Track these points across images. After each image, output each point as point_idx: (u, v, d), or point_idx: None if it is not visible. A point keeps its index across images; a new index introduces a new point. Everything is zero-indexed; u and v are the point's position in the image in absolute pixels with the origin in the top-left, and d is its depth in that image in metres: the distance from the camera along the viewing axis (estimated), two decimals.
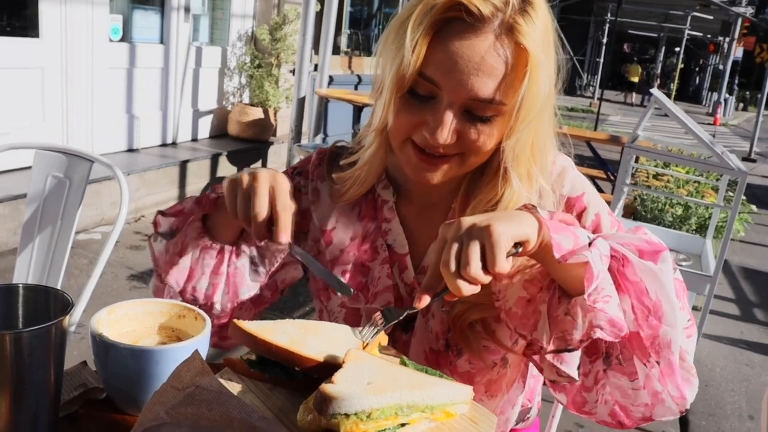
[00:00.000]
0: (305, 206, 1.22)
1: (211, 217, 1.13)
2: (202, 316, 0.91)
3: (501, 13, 0.93)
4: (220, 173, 6.22)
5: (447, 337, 1.10)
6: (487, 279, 0.82)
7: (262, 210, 0.95)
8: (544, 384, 1.09)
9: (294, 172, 1.26)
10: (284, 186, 0.98)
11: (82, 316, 2.04)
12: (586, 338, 0.86)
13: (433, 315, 1.10)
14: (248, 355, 0.86)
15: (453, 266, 0.82)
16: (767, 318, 4.91)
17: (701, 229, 4.24)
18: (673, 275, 0.91)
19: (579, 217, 1.10)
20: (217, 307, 1.13)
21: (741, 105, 30.48)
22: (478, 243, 0.82)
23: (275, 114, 7.12)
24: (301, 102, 6.44)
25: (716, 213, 3.87)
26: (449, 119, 0.96)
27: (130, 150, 5.84)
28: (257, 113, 6.85)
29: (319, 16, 6.36)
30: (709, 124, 20.21)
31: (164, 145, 6.25)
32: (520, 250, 0.85)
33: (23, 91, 4.79)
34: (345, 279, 1.14)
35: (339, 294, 1.11)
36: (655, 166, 5.17)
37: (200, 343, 0.84)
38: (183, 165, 5.75)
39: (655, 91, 3.56)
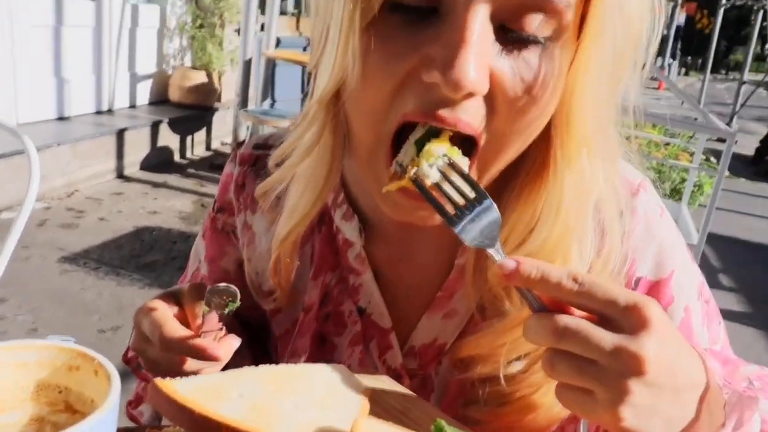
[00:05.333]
0: (241, 256, 0.85)
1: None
2: (105, 369, 0.57)
3: None
4: (160, 143, 5.80)
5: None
6: None
7: (162, 361, 0.67)
8: None
9: (217, 211, 0.87)
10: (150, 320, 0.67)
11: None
12: None
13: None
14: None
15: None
16: (731, 284, 4.84)
17: (673, 193, 4.09)
18: None
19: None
20: None
21: (683, 70, 30.93)
22: None
23: (219, 78, 6.72)
24: (247, 65, 6.01)
25: (692, 176, 3.68)
26: (477, 28, 0.52)
27: (61, 118, 5.34)
28: (200, 77, 6.43)
29: None
30: (654, 88, 20.36)
31: (99, 112, 5.77)
32: None
33: None
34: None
35: None
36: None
37: (104, 422, 0.51)
38: (120, 134, 5.30)
39: None
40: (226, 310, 0.64)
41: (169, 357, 0.66)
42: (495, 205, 0.56)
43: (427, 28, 0.54)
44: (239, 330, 0.79)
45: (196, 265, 0.92)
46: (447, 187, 0.56)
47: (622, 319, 0.49)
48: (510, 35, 0.54)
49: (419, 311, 0.75)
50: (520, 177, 0.64)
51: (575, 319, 0.50)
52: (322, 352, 0.79)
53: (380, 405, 0.65)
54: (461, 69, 0.51)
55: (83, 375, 0.59)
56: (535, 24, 0.54)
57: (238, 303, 0.63)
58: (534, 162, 0.63)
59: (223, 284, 0.63)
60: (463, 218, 0.55)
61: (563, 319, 0.50)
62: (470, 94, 0.53)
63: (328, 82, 0.59)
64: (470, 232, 0.55)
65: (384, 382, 0.68)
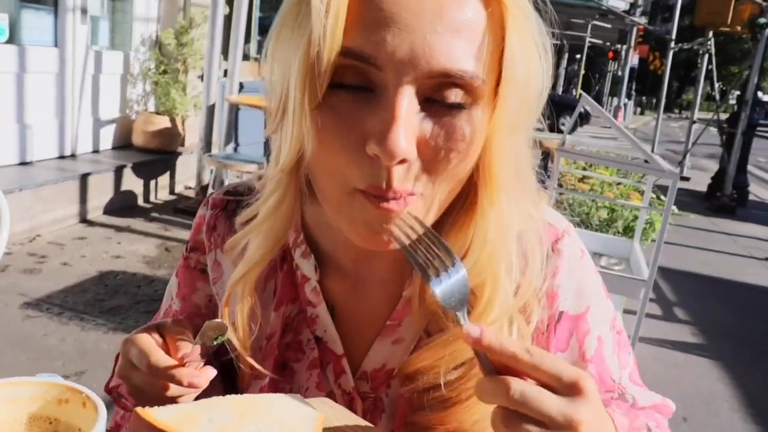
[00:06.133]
0: (212, 291, 0.93)
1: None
2: (92, 401, 0.64)
3: None
4: (124, 187, 5.81)
5: None
6: None
7: (147, 387, 0.73)
8: None
9: (190, 251, 0.95)
10: (135, 349, 0.74)
11: None
12: None
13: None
14: None
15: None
16: (686, 317, 4.99)
17: (626, 231, 4.25)
18: None
19: (580, 344, 0.85)
20: None
21: (638, 109, 31.97)
22: None
23: (183, 123, 6.76)
24: (210, 109, 6.10)
25: (643, 215, 3.84)
26: (405, 106, 0.62)
27: (23, 163, 5.34)
28: (164, 122, 6.46)
29: (228, 19, 6.06)
30: (608, 127, 20.97)
31: (62, 157, 5.78)
32: None
33: None
34: (264, 385, 0.87)
35: None
36: (583, 169, 5.16)
37: None
38: (83, 179, 5.31)
39: (584, 95, 3.51)
40: (215, 342, 0.73)
41: (154, 383, 0.73)
42: (463, 266, 0.63)
43: (367, 104, 0.63)
44: (213, 363, 0.87)
45: (169, 302, 0.98)
46: (421, 245, 0.65)
47: (564, 390, 0.57)
48: (434, 105, 0.64)
49: (371, 339, 0.84)
50: (454, 213, 0.74)
51: (530, 386, 0.57)
52: (282, 376, 0.86)
53: (333, 430, 0.71)
54: (393, 141, 0.61)
55: (72, 407, 0.66)
56: (455, 95, 0.64)
57: (225, 337, 0.73)
58: (464, 201, 0.73)
59: (217, 320, 0.72)
60: (440, 278, 0.62)
61: (520, 385, 0.57)
62: (404, 160, 0.63)
63: (288, 153, 0.69)
64: (445, 292, 0.62)
65: (337, 410, 0.75)
